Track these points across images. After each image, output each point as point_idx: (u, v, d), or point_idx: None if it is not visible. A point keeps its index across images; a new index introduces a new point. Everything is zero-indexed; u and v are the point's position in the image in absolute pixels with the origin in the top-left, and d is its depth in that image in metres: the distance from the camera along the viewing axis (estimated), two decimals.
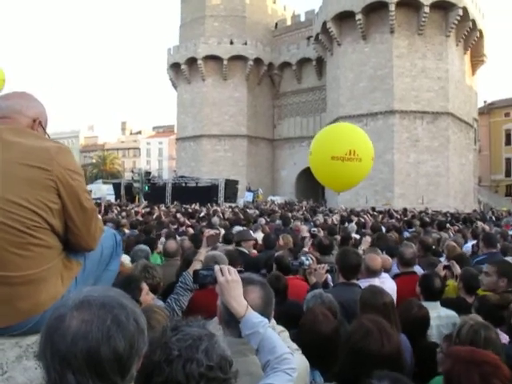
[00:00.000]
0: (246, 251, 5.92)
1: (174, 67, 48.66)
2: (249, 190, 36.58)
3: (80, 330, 1.04)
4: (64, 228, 1.87)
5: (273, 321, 2.02)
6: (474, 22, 36.54)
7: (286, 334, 2.14)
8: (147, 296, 2.98)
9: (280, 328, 2.11)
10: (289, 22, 51.45)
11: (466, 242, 8.29)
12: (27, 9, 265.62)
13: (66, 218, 1.86)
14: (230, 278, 1.77)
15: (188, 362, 1.19)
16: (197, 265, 3.11)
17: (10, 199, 1.73)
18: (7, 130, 1.85)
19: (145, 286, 3.02)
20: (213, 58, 46.05)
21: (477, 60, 41.59)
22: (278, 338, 1.71)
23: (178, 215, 12.60)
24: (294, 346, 2.13)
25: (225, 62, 46.02)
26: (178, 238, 7.51)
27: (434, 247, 7.24)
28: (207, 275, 1.91)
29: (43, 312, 1.80)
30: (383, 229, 10.18)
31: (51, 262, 1.84)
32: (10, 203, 1.73)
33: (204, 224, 9.93)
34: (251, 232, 8.96)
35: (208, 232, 3.56)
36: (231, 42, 46.03)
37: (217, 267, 1.83)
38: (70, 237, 1.90)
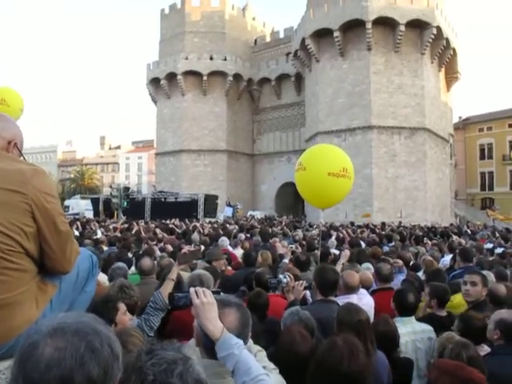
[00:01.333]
0: (218, 270, 5.87)
1: (154, 82, 48.66)
2: (228, 204, 36.52)
3: (53, 357, 1.03)
4: (39, 251, 1.86)
5: (250, 341, 2.02)
6: (447, 40, 37.53)
7: (263, 353, 2.14)
8: (124, 316, 2.93)
9: (257, 348, 2.11)
10: (268, 39, 52.03)
11: (442, 256, 8.43)
12: (9, 18, 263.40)
13: (41, 241, 1.84)
14: (205, 301, 1.77)
15: None
16: (169, 284, 3.03)
17: None
18: None
19: (122, 306, 2.98)
20: (192, 74, 46.22)
21: (451, 77, 42.64)
22: (253, 359, 1.72)
23: (158, 231, 12.50)
24: (271, 365, 2.13)
25: (204, 78, 46.21)
26: (158, 253, 7.47)
27: (412, 262, 7.35)
28: (182, 297, 1.91)
29: (17, 336, 1.78)
30: (362, 244, 10.29)
31: (26, 286, 1.82)
32: None
33: (183, 241, 9.85)
34: (230, 248, 8.97)
35: (184, 250, 3.48)
36: (211, 58, 46.29)
37: (192, 289, 1.83)
38: (45, 260, 1.88)
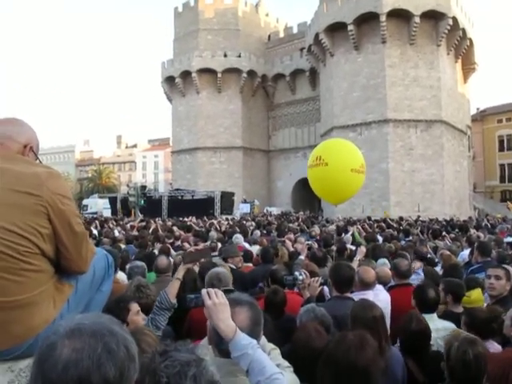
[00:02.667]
0: (234, 267, 5.88)
1: (169, 81, 48.88)
2: (244, 201, 36.57)
3: (71, 359, 1.04)
4: (55, 252, 1.89)
5: (263, 339, 2.02)
6: (463, 30, 36.97)
7: (277, 351, 2.14)
8: (136, 316, 2.94)
9: (271, 346, 2.12)
10: (282, 34, 51.88)
11: (461, 250, 8.32)
12: (23, 22, 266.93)
13: (57, 242, 1.88)
14: (217, 301, 1.78)
15: None
16: (175, 283, 2.98)
17: (1, 225, 1.75)
18: None
19: (134, 307, 2.99)
20: (207, 71, 46.30)
21: (468, 68, 42.01)
22: (267, 358, 1.73)
23: (175, 228, 12.56)
24: (285, 363, 2.13)
25: (219, 75, 46.26)
26: (174, 252, 7.52)
27: (429, 256, 7.27)
28: (194, 298, 1.92)
29: (36, 336, 1.81)
30: (380, 239, 10.22)
31: (43, 286, 1.86)
32: (1, 229, 1.75)
33: (198, 239, 9.88)
34: (246, 245, 8.97)
35: (190, 248, 3.40)
36: (225, 55, 46.32)
37: (204, 291, 1.84)
38: (61, 260, 1.92)
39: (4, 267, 1.75)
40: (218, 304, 1.78)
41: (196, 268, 5.13)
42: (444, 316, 3.85)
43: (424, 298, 3.69)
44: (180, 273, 3.00)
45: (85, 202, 46.57)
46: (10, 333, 1.79)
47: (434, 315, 3.68)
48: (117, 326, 1.15)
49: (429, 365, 2.93)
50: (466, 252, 7.76)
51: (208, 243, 9.02)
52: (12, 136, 1.99)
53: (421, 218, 21.61)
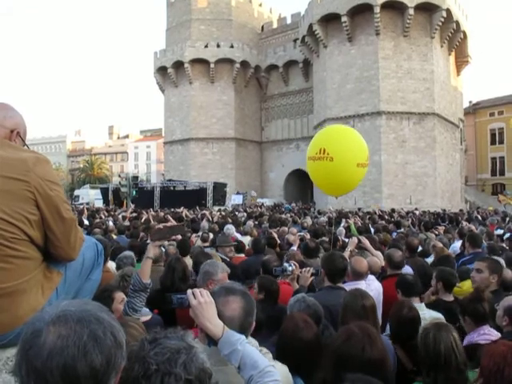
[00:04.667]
0: (225, 257, 5.87)
1: (161, 71, 48.57)
2: (237, 193, 36.57)
3: (56, 346, 1.02)
4: (44, 239, 1.86)
5: (255, 342, 2.00)
6: (457, 23, 37.00)
7: (270, 355, 2.11)
8: (121, 305, 2.93)
9: (264, 350, 2.08)
10: (275, 25, 51.60)
11: (453, 242, 8.37)
12: (15, 12, 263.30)
13: (45, 229, 1.85)
14: (202, 300, 1.75)
15: (166, 377, 1.18)
16: (146, 262, 2.88)
17: None
18: None
19: (118, 296, 2.99)
20: (199, 62, 46.03)
21: (461, 61, 42.08)
22: (257, 352, 1.71)
23: (169, 217, 12.47)
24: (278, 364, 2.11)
25: (212, 65, 46.01)
26: (166, 242, 7.48)
27: (420, 248, 7.30)
28: (179, 299, 1.89)
29: (23, 324, 1.78)
30: (372, 230, 10.26)
31: (31, 273, 1.83)
32: None
33: (189, 229, 9.86)
34: (238, 235, 8.97)
35: (157, 226, 3.25)
36: (218, 45, 46.04)
37: (189, 291, 1.81)
38: (50, 247, 1.89)
39: None
40: (203, 303, 1.75)
41: (189, 260, 5.11)
42: (435, 305, 3.88)
43: (407, 286, 3.76)
44: (150, 252, 2.88)
45: (76, 192, 46.37)
46: None
47: (422, 305, 3.72)
48: (104, 313, 1.13)
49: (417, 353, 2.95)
50: (458, 244, 7.81)
51: (200, 234, 9.00)
52: None
53: (414, 211, 21.69)
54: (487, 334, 3.02)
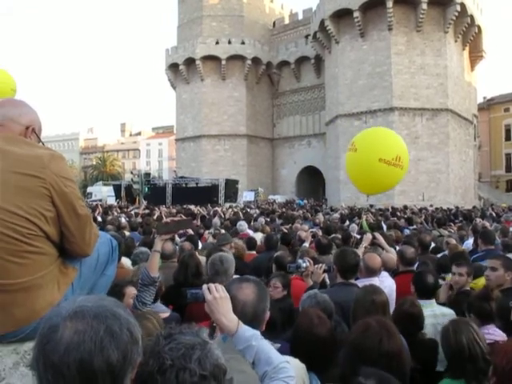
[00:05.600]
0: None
1: (173, 68, 48.65)
2: (249, 190, 36.58)
3: (73, 341, 1.03)
4: (59, 235, 1.88)
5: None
6: (472, 17, 36.50)
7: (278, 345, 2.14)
8: (131, 299, 2.96)
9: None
10: (287, 21, 51.41)
11: (466, 239, 8.30)
12: (26, 11, 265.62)
13: (60, 225, 1.87)
14: (217, 295, 1.76)
15: (181, 372, 1.18)
16: (154, 256, 2.88)
17: (4, 207, 1.75)
18: (1, 139, 1.87)
19: (129, 291, 3.01)
20: (211, 58, 46.03)
21: (475, 56, 41.55)
22: (271, 348, 1.71)
23: (180, 214, 12.52)
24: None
25: (223, 62, 45.99)
26: (178, 239, 7.53)
27: (434, 245, 7.25)
28: (194, 294, 1.90)
29: (40, 319, 1.81)
30: (384, 227, 10.20)
31: (47, 269, 1.85)
32: (5, 211, 1.74)
33: (201, 225, 9.90)
34: (250, 232, 8.98)
35: (165, 220, 3.24)
36: (229, 42, 45.99)
37: (204, 286, 1.81)
38: (65, 243, 1.91)
39: (8, 249, 1.74)
40: (218, 298, 1.75)
41: (203, 257, 5.12)
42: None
43: (423, 284, 3.70)
44: (157, 245, 2.87)
45: (89, 189, 46.69)
46: (14, 315, 1.79)
47: (433, 301, 3.70)
48: (120, 308, 1.14)
49: (422, 352, 2.94)
50: (471, 241, 7.74)
51: (211, 230, 9.02)
52: (14, 117, 1.97)
53: (428, 207, 21.46)
54: (491, 334, 2.98)
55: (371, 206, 20.61)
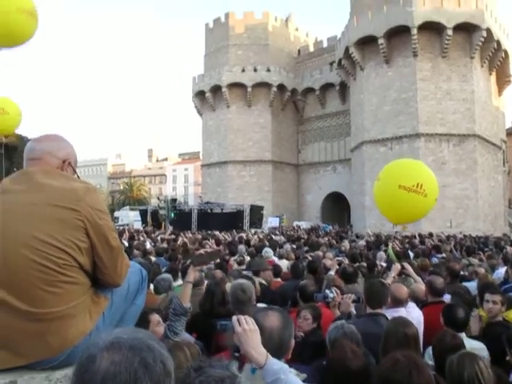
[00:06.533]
0: (264, 282, 5.85)
1: (199, 95, 49.50)
2: (274, 216, 36.51)
3: (109, 371, 1.06)
4: (92, 265, 1.95)
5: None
6: (498, 42, 36.25)
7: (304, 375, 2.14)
8: (158, 327, 2.98)
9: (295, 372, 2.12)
10: (311, 49, 52.00)
11: (496, 268, 8.09)
12: (54, 37, 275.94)
13: (93, 256, 1.93)
14: (247, 328, 1.77)
15: None
16: (187, 286, 2.96)
17: (41, 238, 1.82)
18: (39, 173, 1.96)
19: (154, 318, 3.04)
20: (237, 86, 46.72)
21: (503, 80, 41.10)
22: (299, 381, 1.72)
23: (210, 243, 12.50)
24: None
25: (249, 89, 46.59)
26: (205, 266, 7.55)
27: (462, 273, 7.09)
28: (224, 325, 1.93)
29: (73, 347, 1.86)
30: (411, 255, 10.03)
31: (80, 298, 1.91)
32: (41, 242, 1.81)
33: (227, 252, 9.92)
34: (275, 259, 8.95)
35: (200, 251, 3.34)
36: (255, 70, 46.67)
37: (234, 318, 1.84)
38: (97, 274, 1.97)
39: (44, 279, 1.80)
40: (248, 330, 1.77)
41: (228, 284, 5.13)
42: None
43: (453, 318, 3.61)
44: (190, 276, 2.96)
45: (116, 214, 47.36)
46: (48, 343, 1.83)
47: (463, 335, 3.58)
48: (154, 341, 1.16)
49: None
50: (502, 270, 7.54)
51: (236, 257, 9.03)
52: (51, 152, 2.06)
53: (460, 235, 20.97)
54: None
55: (396, 232, 20.29)
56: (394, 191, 5.44)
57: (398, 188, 5.40)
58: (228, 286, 4.81)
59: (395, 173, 5.71)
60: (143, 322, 2.90)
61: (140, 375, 1.07)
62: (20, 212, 1.86)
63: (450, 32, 33.43)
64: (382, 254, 9.46)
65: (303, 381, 1.80)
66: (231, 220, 29.97)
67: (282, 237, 17.69)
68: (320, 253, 9.62)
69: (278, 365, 1.71)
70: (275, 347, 1.83)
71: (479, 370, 2.39)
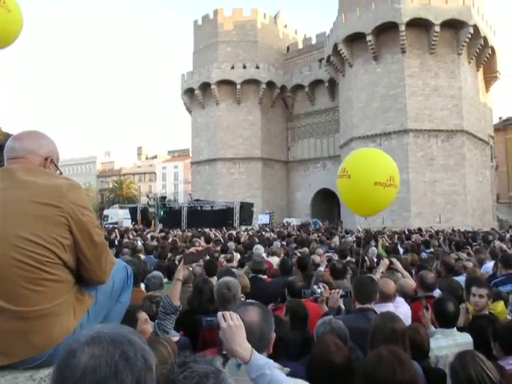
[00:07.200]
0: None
1: (188, 92, 49.38)
2: (264, 213, 36.56)
3: (89, 365, 1.05)
4: (76, 262, 1.92)
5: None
6: (485, 39, 36.59)
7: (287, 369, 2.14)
8: (146, 325, 2.96)
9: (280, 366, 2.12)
10: (300, 45, 52.06)
11: (484, 263, 8.14)
12: (45, 35, 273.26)
13: (77, 253, 1.91)
14: (232, 324, 1.77)
15: None
16: (176, 284, 2.97)
17: (24, 236, 1.79)
18: (21, 170, 1.93)
19: (141, 316, 3.02)
20: (226, 83, 46.66)
21: (490, 77, 41.47)
22: (284, 376, 1.72)
23: (199, 241, 12.48)
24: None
25: (238, 86, 46.56)
26: (194, 264, 7.52)
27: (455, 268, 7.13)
28: (209, 321, 1.93)
29: (57, 345, 1.83)
30: (400, 250, 10.09)
31: (64, 296, 1.88)
32: (24, 240, 1.79)
33: (218, 249, 9.89)
34: (265, 256, 8.94)
35: (190, 249, 3.37)
36: (244, 67, 46.63)
37: (219, 314, 1.84)
38: (82, 271, 1.94)
39: (27, 277, 1.78)
40: (233, 326, 1.77)
41: (214, 279, 5.13)
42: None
43: (443, 312, 3.57)
44: (180, 274, 2.97)
45: (106, 212, 47.16)
46: (32, 342, 1.81)
47: (454, 330, 3.57)
48: (136, 336, 1.15)
49: (428, 380, 2.89)
50: (490, 264, 7.59)
51: (227, 254, 9.01)
52: (33, 150, 2.03)
53: (449, 230, 21.10)
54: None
55: (384, 228, 20.42)
56: (370, 188, 5.36)
57: (374, 185, 5.33)
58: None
59: (368, 169, 5.55)
60: (130, 320, 2.88)
61: (120, 368, 1.05)
62: (2, 210, 1.83)
63: (437, 28, 33.69)
64: (374, 250, 9.51)
65: (287, 375, 1.80)
66: (221, 217, 29.98)
67: (271, 233, 17.69)
68: (306, 249, 9.63)
69: (262, 360, 1.71)
70: (256, 341, 1.83)
71: (483, 364, 2.40)
